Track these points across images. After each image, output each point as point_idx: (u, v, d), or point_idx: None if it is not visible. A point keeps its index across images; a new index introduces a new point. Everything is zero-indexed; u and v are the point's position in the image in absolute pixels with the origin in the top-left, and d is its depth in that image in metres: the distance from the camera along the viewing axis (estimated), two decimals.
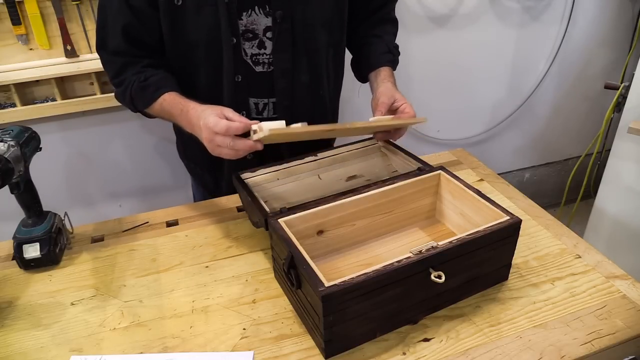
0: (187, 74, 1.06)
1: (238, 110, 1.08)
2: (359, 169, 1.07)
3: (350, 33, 1.18)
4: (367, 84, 1.18)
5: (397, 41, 1.22)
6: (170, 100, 0.99)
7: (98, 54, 1.05)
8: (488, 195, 0.87)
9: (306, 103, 1.12)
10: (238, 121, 0.85)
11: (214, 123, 0.84)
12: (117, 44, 1.01)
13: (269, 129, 0.81)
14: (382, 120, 0.98)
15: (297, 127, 0.85)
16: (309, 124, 0.85)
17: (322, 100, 1.16)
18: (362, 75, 1.20)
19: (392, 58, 1.17)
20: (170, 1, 0.96)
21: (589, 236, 1.77)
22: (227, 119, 0.86)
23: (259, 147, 0.86)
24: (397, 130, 1.05)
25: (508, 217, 0.80)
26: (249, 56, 1.04)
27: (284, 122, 0.86)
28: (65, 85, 1.48)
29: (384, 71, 1.13)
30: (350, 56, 1.25)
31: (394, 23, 1.24)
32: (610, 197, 1.70)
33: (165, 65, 1.06)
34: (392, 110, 1.06)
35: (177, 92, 1.01)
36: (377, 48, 1.17)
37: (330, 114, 1.22)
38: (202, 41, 1.01)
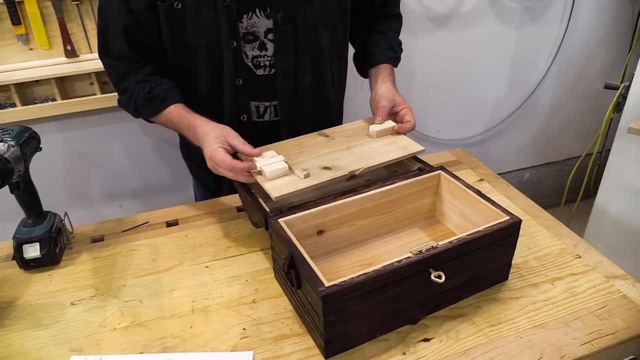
0: (188, 78, 1.06)
1: (238, 113, 1.08)
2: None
3: (353, 28, 1.16)
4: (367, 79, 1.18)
5: None
6: (177, 114, 1.01)
7: (100, 58, 1.05)
8: (488, 195, 0.86)
9: (310, 105, 1.12)
10: (243, 161, 0.92)
11: (220, 160, 0.89)
12: (119, 48, 1.01)
13: (274, 197, 0.85)
14: (374, 161, 0.96)
15: (300, 180, 0.89)
16: (307, 175, 0.90)
17: (325, 101, 1.16)
18: (363, 70, 1.19)
19: (393, 55, 1.16)
20: (170, 5, 0.96)
21: (589, 236, 1.77)
22: (231, 146, 0.92)
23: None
24: (403, 125, 1.04)
25: (508, 217, 0.80)
26: (249, 59, 1.04)
27: (282, 159, 0.91)
28: (65, 85, 1.48)
29: (385, 69, 1.13)
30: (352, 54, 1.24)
31: (397, 18, 1.23)
32: (610, 197, 1.70)
33: (169, 72, 1.06)
34: (392, 114, 1.06)
35: (183, 104, 1.02)
36: (379, 44, 1.16)
37: (334, 114, 1.21)
38: (202, 45, 1.01)
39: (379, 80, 1.11)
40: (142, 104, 1.03)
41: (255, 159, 0.92)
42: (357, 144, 1.01)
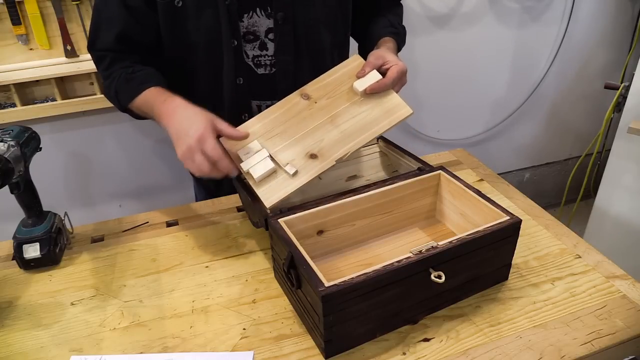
0: (187, 76, 1.06)
1: (239, 112, 1.08)
2: (359, 169, 1.07)
3: (355, 23, 1.15)
4: None
5: None
6: (155, 92, 0.95)
7: (89, 52, 1.05)
8: (488, 195, 0.87)
9: None
10: (228, 157, 0.85)
11: (212, 148, 0.81)
12: (107, 42, 1.00)
13: (268, 207, 0.85)
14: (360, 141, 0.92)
15: (290, 178, 0.87)
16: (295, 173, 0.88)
17: None
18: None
19: (394, 30, 1.11)
20: (170, 3, 0.96)
21: (589, 236, 1.77)
22: (219, 130, 0.84)
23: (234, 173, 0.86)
24: (373, 85, 0.95)
25: (508, 217, 0.80)
26: (250, 58, 1.04)
27: (267, 155, 0.88)
28: (65, 85, 1.48)
29: (384, 42, 1.07)
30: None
31: (398, 5, 1.21)
32: (610, 197, 1.70)
33: (155, 64, 1.04)
34: (382, 73, 0.98)
35: (163, 88, 0.97)
36: (379, 24, 1.13)
37: None
38: (202, 43, 1.00)
39: (375, 48, 1.05)
40: (121, 86, 0.99)
41: (241, 157, 0.89)
42: (340, 110, 0.96)
